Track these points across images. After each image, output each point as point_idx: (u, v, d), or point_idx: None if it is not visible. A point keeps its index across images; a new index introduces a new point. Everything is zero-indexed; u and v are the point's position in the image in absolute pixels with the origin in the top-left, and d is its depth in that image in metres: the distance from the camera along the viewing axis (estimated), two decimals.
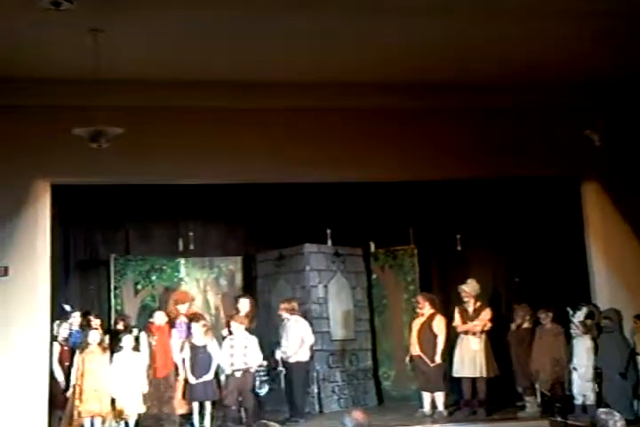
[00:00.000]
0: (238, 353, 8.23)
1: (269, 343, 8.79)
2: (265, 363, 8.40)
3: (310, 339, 8.65)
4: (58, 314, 8.42)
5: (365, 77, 7.87)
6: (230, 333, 8.40)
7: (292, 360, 8.48)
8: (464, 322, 8.70)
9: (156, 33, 6.68)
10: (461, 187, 9.40)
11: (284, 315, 8.68)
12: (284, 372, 8.39)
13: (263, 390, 8.27)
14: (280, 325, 8.76)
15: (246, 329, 8.42)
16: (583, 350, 8.20)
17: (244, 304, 8.75)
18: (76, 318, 8.29)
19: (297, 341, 8.53)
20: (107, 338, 8.16)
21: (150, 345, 8.17)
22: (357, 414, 4.67)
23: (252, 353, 8.25)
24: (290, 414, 8.48)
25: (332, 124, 8.41)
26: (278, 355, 8.49)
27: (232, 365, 8.19)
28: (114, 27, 6.35)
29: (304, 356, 8.57)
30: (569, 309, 8.39)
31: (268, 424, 5.57)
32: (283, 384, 8.39)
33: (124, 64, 7.10)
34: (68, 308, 8.57)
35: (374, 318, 10.14)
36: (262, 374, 8.43)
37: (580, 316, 8.35)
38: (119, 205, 9.35)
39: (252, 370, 8.20)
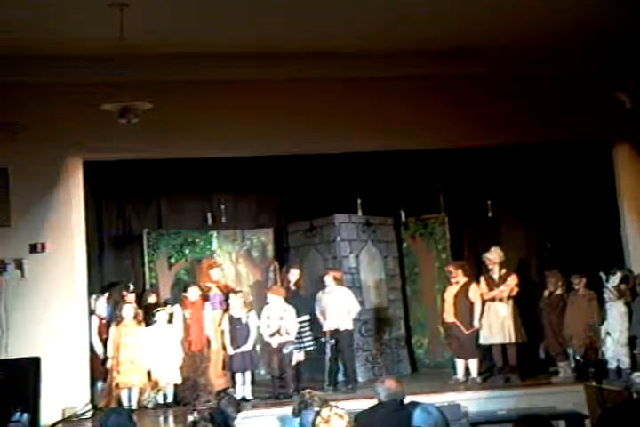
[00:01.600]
0: (274, 324, 8.33)
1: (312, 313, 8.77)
2: (311, 333, 8.53)
3: (357, 308, 8.71)
4: (97, 288, 8.60)
5: (392, 46, 7.83)
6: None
7: (341, 329, 8.52)
8: (490, 289, 8.69)
9: (180, 6, 6.67)
10: (491, 153, 9.32)
11: (332, 284, 8.67)
12: (332, 342, 8.38)
13: (287, 351, 8.32)
14: (322, 293, 8.72)
15: (291, 298, 8.51)
16: (617, 315, 8.15)
17: (295, 274, 8.85)
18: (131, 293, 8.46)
19: (344, 310, 8.58)
20: (141, 312, 8.30)
21: (185, 319, 8.30)
22: (390, 383, 4.70)
23: (289, 324, 8.34)
24: (344, 381, 8.50)
25: (360, 93, 8.38)
26: (328, 325, 8.45)
27: (273, 335, 8.28)
28: (139, 1, 6.35)
29: (350, 324, 8.65)
30: (602, 274, 8.33)
31: (312, 393, 5.66)
32: (330, 354, 8.36)
33: (151, 38, 7.10)
34: (131, 286, 8.74)
35: (406, 287, 10.16)
36: (309, 344, 8.56)
37: (614, 281, 8.28)
38: (150, 180, 9.38)
39: (288, 340, 8.29)
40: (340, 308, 8.57)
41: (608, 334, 8.17)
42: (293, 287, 8.84)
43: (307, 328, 8.67)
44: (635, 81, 6.96)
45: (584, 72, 8.38)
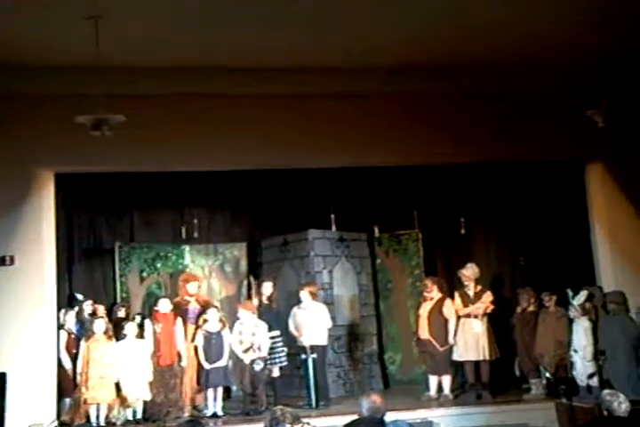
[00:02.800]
0: (246, 340, 8.27)
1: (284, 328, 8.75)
2: (284, 348, 8.50)
3: (329, 323, 8.69)
4: (65, 302, 8.48)
5: (366, 62, 7.85)
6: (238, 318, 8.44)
7: (315, 344, 8.47)
8: (465, 305, 8.72)
9: (155, 20, 6.65)
10: (465, 170, 9.38)
11: (308, 299, 8.62)
12: (314, 357, 8.34)
13: (258, 367, 8.27)
14: (297, 308, 8.69)
15: (264, 312, 8.49)
16: (582, 331, 8.24)
17: (268, 287, 8.81)
18: (87, 306, 8.33)
19: (316, 325, 8.55)
20: (111, 326, 8.20)
21: (155, 333, 8.21)
22: (375, 397, 4.69)
23: (261, 340, 8.29)
24: (316, 399, 8.38)
25: (334, 109, 8.39)
26: (306, 341, 8.42)
27: (245, 351, 8.22)
28: (114, 13, 6.32)
29: (325, 340, 8.62)
30: (569, 291, 8.42)
31: (283, 410, 5.60)
32: (310, 370, 8.32)
33: (125, 51, 7.07)
34: (80, 297, 8.62)
35: (379, 303, 10.16)
36: (283, 359, 8.50)
37: (580, 299, 8.38)
38: (123, 193, 9.33)
39: (261, 356, 8.24)
40: (316, 323, 8.55)
41: (575, 351, 8.23)
42: (267, 301, 8.79)
43: (279, 343, 8.61)
44: (608, 101, 7.04)
45: (557, 91, 8.48)
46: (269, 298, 8.80)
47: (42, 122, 7.83)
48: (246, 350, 8.24)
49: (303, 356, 8.43)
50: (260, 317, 8.49)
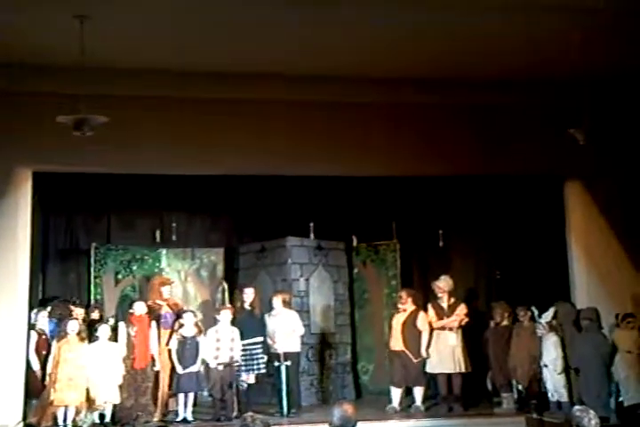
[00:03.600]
0: (225, 346, 8.22)
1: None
2: (264, 356, 8.47)
3: (301, 330, 8.67)
4: (37, 302, 8.39)
5: (348, 72, 7.89)
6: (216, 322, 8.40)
7: (288, 351, 8.43)
8: (439, 318, 8.73)
9: (142, 20, 6.63)
10: (444, 183, 9.42)
11: (279, 306, 8.61)
12: (288, 364, 8.31)
13: (245, 383, 8.26)
14: (268, 316, 8.66)
15: (245, 318, 8.44)
16: (551, 345, 8.30)
17: (249, 293, 8.75)
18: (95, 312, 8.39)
19: (290, 332, 8.52)
20: (85, 328, 8.11)
21: (129, 336, 8.13)
22: (347, 407, 4.67)
23: (237, 346, 8.25)
24: (287, 406, 8.36)
25: (316, 117, 8.41)
26: (280, 348, 8.38)
27: (217, 357, 8.17)
28: (100, 13, 6.28)
29: (298, 347, 8.59)
30: (534, 309, 8.49)
31: (254, 417, 5.57)
32: (283, 377, 8.27)
33: (110, 52, 7.04)
34: (77, 301, 8.55)
35: (355, 313, 10.15)
36: (262, 366, 8.45)
37: (547, 316, 8.46)
38: (101, 194, 9.27)
39: (237, 363, 8.20)
40: (289, 330, 8.52)
41: (545, 365, 8.27)
42: (248, 307, 8.73)
43: (259, 350, 8.56)
44: (590, 119, 7.10)
45: (540, 107, 8.55)
46: (251, 304, 8.73)
47: (22, 120, 7.76)
48: (221, 356, 8.16)
49: (276, 363, 8.39)
50: (238, 323, 8.42)
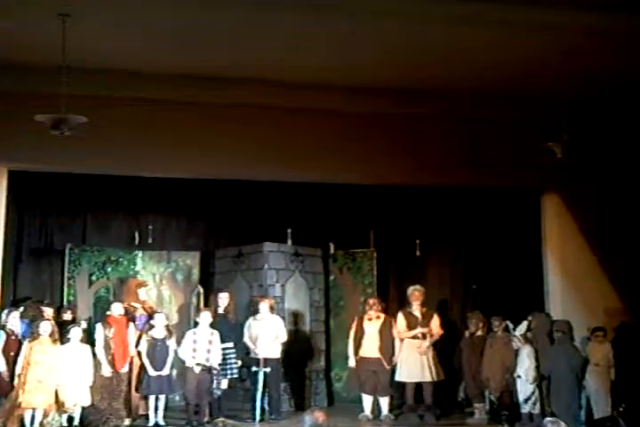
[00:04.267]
0: (202, 349, 8.16)
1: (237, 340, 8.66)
2: (237, 362, 8.44)
3: (284, 337, 8.67)
4: (9, 302, 8.28)
5: (331, 80, 7.91)
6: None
7: (269, 357, 8.42)
8: (411, 327, 8.73)
9: (125, 21, 6.58)
10: (423, 193, 9.46)
11: (266, 311, 8.60)
12: (268, 371, 8.30)
13: (220, 390, 8.21)
14: (253, 319, 8.65)
15: (219, 323, 8.39)
16: (525, 355, 8.33)
17: (224, 298, 8.71)
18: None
19: (272, 338, 8.52)
20: (57, 329, 8.01)
21: (106, 337, 8.06)
22: (318, 414, 4.65)
23: (216, 350, 8.19)
24: (269, 412, 8.40)
25: (297, 124, 8.40)
26: (261, 353, 8.37)
27: (194, 358, 8.11)
28: (83, 12, 6.23)
29: (279, 353, 8.58)
30: (509, 323, 8.52)
31: (225, 422, 5.55)
32: (260, 383, 8.28)
33: (91, 52, 6.97)
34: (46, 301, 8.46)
35: (330, 319, 10.13)
36: (234, 371, 8.41)
37: (521, 329, 8.51)
38: (78, 194, 9.21)
39: (214, 366, 8.14)
40: (272, 336, 8.52)
41: (519, 376, 8.31)
42: (222, 312, 8.68)
43: (232, 355, 8.52)
44: (567, 133, 7.16)
45: (520, 121, 8.60)
46: (226, 309, 8.70)
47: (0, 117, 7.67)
48: (199, 360, 8.10)
49: (254, 368, 8.35)
50: (212, 327, 8.37)
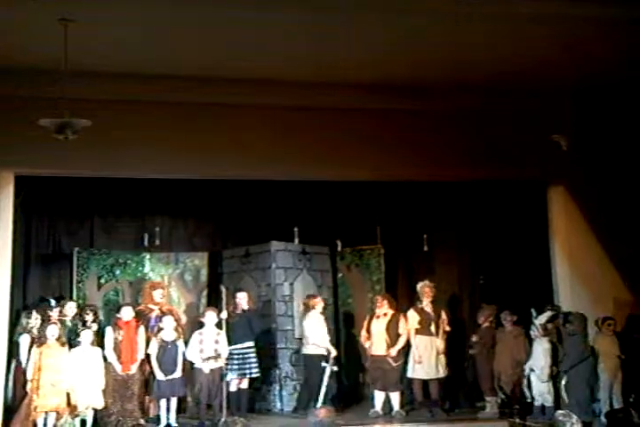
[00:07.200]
0: (209, 349, 8.16)
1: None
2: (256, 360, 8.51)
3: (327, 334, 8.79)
4: (21, 306, 8.29)
5: (333, 78, 7.89)
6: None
7: (315, 353, 8.57)
8: (424, 323, 8.71)
9: (127, 25, 6.59)
10: (429, 188, 9.44)
11: (319, 309, 8.74)
12: (334, 368, 8.51)
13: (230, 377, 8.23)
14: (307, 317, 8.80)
15: (237, 322, 8.44)
16: (541, 352, 8.32)
17: (242, 298, 8.71)
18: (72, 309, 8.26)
19: (321, 335, 8.64)
20: (65, 332, 8.02)
21: (116, 340, 8.07)
22: (322, 412, 4.69)
23: (223, 348, 8.19)
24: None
25: (301, 122, 8.40)
26: (310, 350, 8.58)
27: (202, 360, 8.12)
28: (85, 17, 6.25)
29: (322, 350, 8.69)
30: (533, 310, 8.49)
31: (235, 421, 5.57)
32: (326, 379, 8.40)
33: (94, 55, 7.00)
34: (52, 302, 8.44)
35: (339, 317, 10.13)
36: (254, 371, 8.49)
37: (542, 319, 8.46)
38: (85, 198, 9.21)
39: (221, 365, 8.13)
40: (319, 332, 8.66)
41: (532, 370, 8.29)
42: (240, 311, 8.67)
43: (252, 354, 8.53)
44: (572, 124, 7.15)
45: (524, 113, 8.58)
46: (248, 307, 8.70)
47: (5, 122, 7.69)
48: (207, 359, 8.12)
49: (324, 364, 8.47)
50: (231, 327, 8.38)
